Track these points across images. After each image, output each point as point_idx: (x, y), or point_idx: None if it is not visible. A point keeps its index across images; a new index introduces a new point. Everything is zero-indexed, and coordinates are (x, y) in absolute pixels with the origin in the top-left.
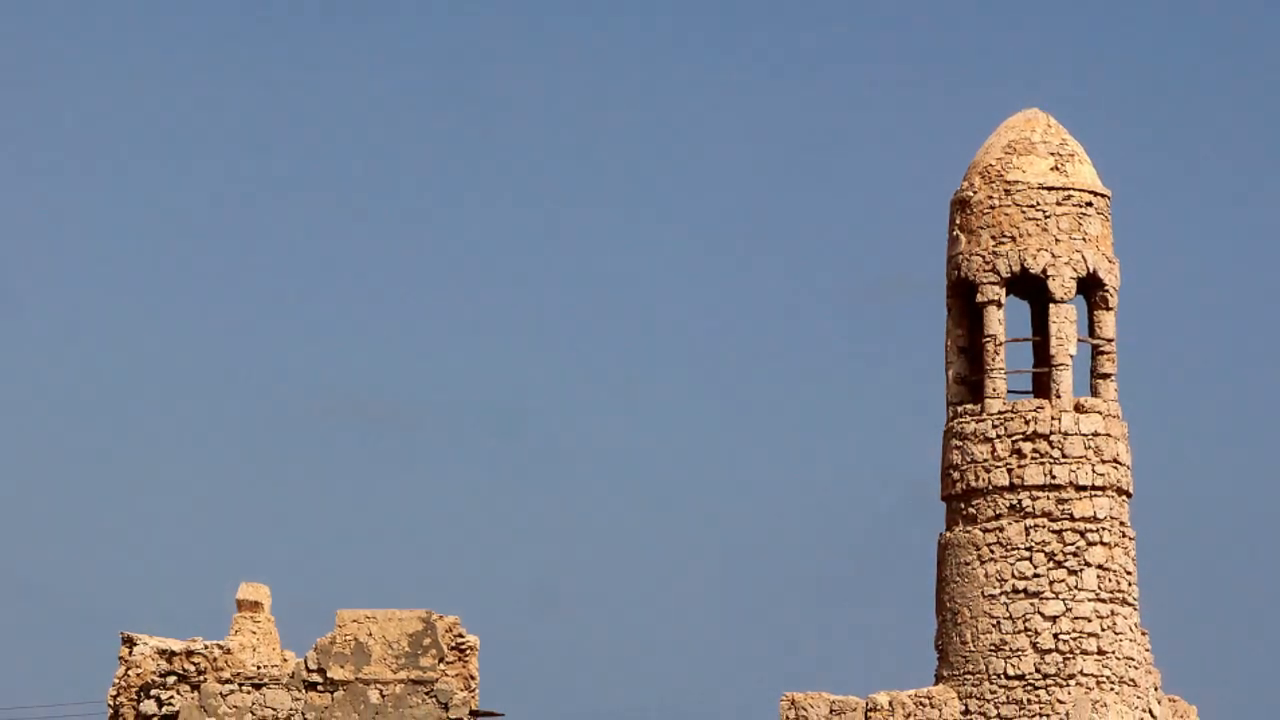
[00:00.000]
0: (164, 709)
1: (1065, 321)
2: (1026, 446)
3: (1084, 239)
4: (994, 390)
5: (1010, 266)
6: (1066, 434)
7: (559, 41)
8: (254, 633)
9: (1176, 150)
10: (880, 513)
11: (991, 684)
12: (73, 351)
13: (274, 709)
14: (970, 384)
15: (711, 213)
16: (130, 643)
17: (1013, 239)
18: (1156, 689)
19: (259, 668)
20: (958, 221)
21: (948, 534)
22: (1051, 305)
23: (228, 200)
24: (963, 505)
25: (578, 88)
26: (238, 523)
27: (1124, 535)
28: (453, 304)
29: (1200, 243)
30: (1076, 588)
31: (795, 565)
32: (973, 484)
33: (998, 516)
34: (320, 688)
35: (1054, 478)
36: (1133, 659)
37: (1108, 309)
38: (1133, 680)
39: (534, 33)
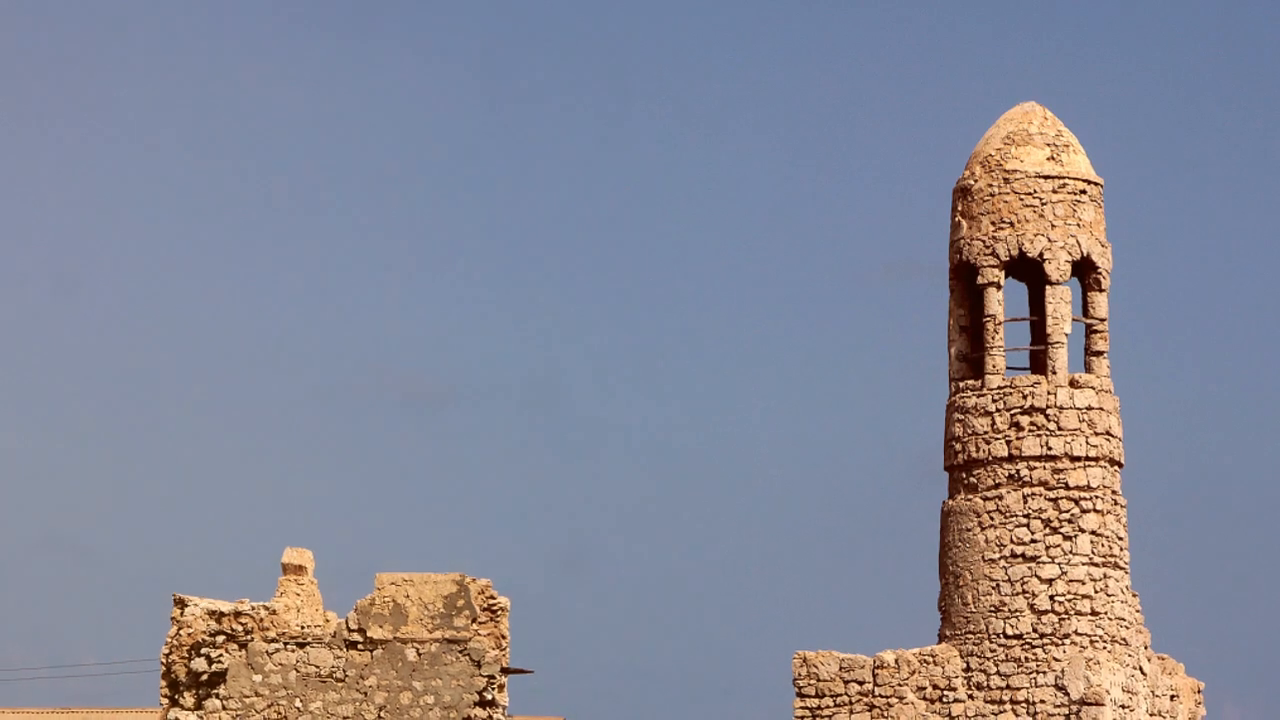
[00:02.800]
0: (213, 666)
1: (1061, 302)
2: (1024, 420)
3: (1078, 225)
4: (994, 367)
5: (1009, 250)
6: (1062, 408)
7: (586, 39)
8: (298, 595)
9: (1166, 142)
10: (886, 482)
11: (991, 643)
12: (130, 331)
13: (317, 666)
14: (971, 361)
15: (731, 200)
16: (182, 604)
17: (1011, 225)
18: (1146, 648)
19: (303, 628)
20: (960, 208)
21: (950, 502)
22: (1048, 287)
23: (282, 190)
24: (964, 475)
25: (604, 85)
26: (283, 492)
27: (1116, 503)
28: (485, 288)
29: (1188, 228)
30: (1071, 552)
31: (808, 532)
32: (974, 455)
33: (997, 485)
34: (360, 646)
35: (1050, 449)
36: (1124, 619)
37: (1101, 290)
38: (1124, 639)
39: (563, 30)
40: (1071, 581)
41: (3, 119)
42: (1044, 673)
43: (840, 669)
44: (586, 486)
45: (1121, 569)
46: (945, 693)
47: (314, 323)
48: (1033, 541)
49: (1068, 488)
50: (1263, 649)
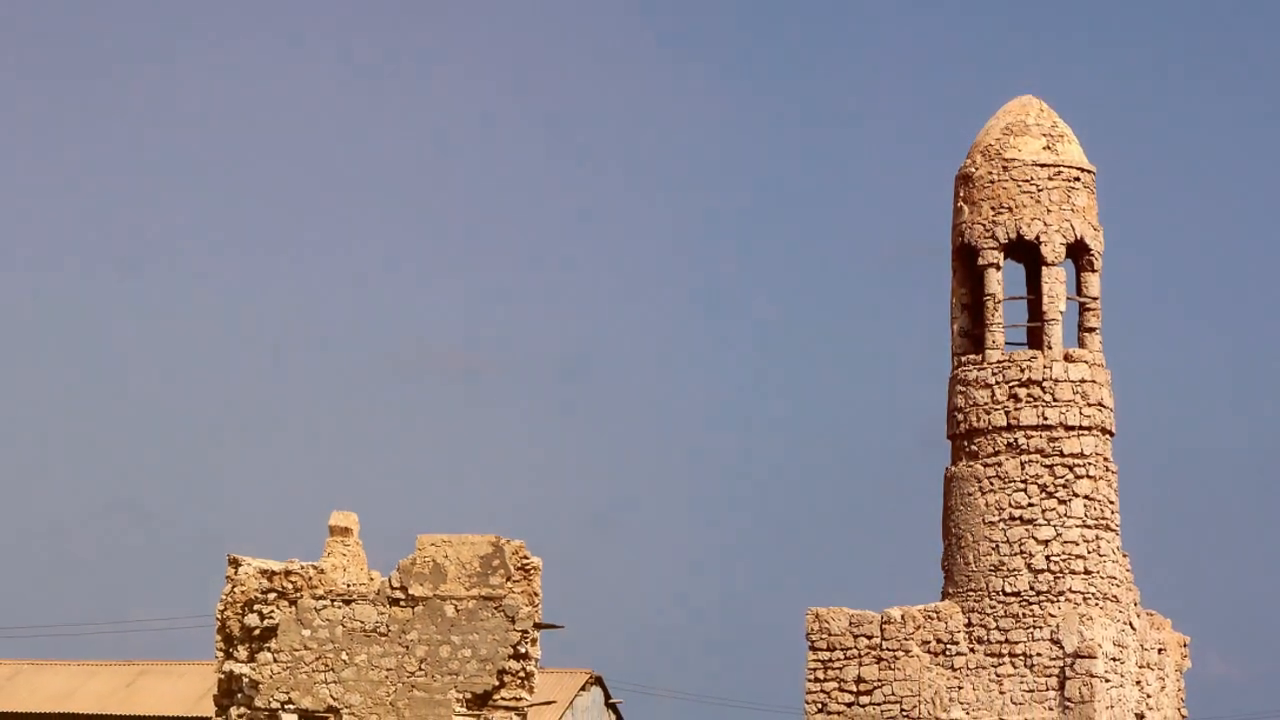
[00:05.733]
0: (265, 622)
1: (1056, 282)
2: (1022, 391)
3: (1072, 209)
4: (993, 342)
5: (1008, 234)
6: (1057, 381)
7: (610, 29)
8: (344, 555)
9: (1155, 132)
10: (893, 450)
11: (991, 600)
12: (190, 310)
13: (361, 622)
14: (972, 337)
15: (748, 186)
16: (236, 564)
17: (1010, 209)
18: (1136, 604)
19: (349, 586)
20: (962, 194)
21: (953, 468)
22: (1044, 268)
23: (333, 178)
24: (966, 443)
25: (627, 76)
26: (330, 459)
27: (1107, 469)
28: (519, 271)
29: (1175, 213)
30: (1065, 516)
31: (820, 496)
32: (975, 424)
33: (997, 453)
34: (402, 603)
35: (1046, 419)
36: (1115, 578)
37: (1093, 271)
38: (1115, 597)
39: (587, 20)
40: (1066, 543)
41: (68, 103)
42: (1040, 628)
43: (850, 624)
44: (613, 454)
45: (1113, 531)
46: (948, 646)
47: (361, 301)
48: (1030, 505)
49: (1062, 455)
50: (1244, 606)
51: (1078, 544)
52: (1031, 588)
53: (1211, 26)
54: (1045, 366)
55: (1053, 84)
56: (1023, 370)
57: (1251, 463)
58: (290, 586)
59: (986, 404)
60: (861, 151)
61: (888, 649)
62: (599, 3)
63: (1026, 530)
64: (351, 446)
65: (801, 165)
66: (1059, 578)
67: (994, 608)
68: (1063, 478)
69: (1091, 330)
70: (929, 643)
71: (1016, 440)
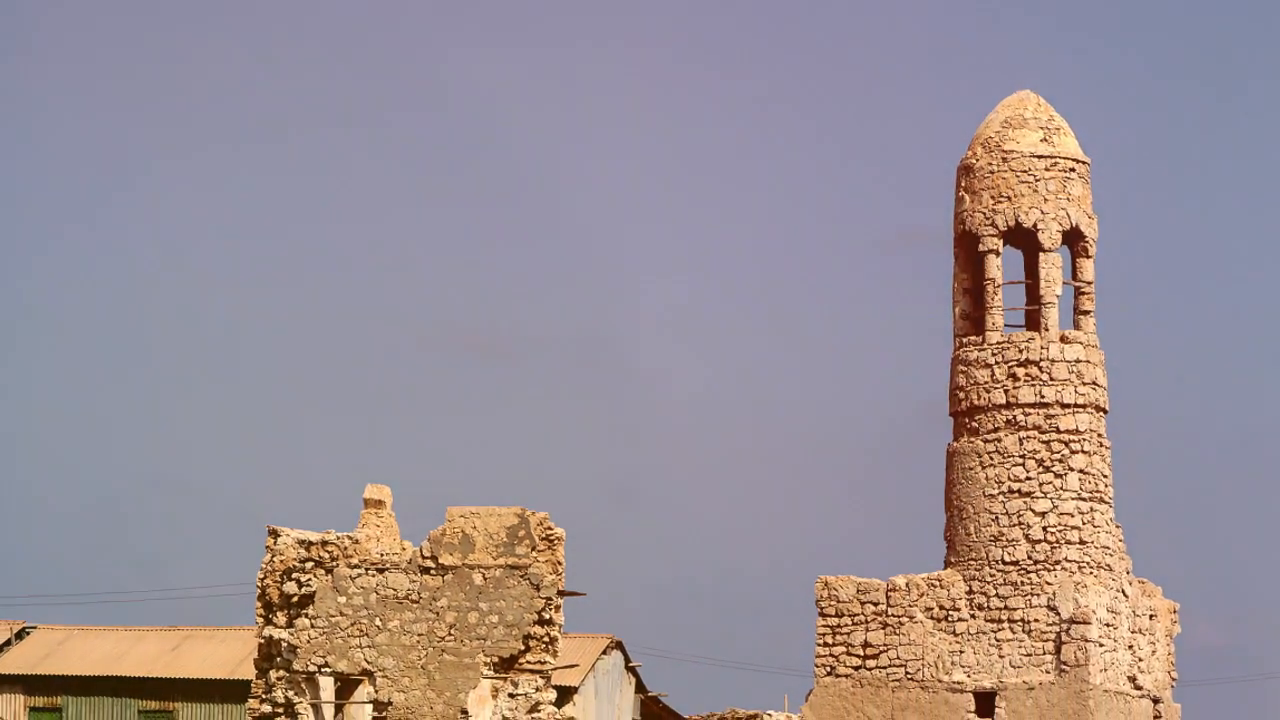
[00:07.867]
0: (303, 589)
1: (1052, 267)
2: (1020, 371)
3: (1068, 198)
4: (993, 324)
5: (1006, 221)
6: (1053, 361)
7: (622, 31)
8: (378, 526)
9: (1147, 125)
10: (899, 426)
11: (991, 569)
12: (227, 296)
13: (394, 589)
14: (973, 319)
15: (759, 174)
16: (275, 534)
17: (1009, 198)
18: (1128, 573)
19: (382, 555)
20: (963, 184)
21: (954, 444)
22: (1041, 253)
23: (362, 168)
24: (967, 420)
25: (641, 70)
26: (365, 435)
27: (1101, 445)
28: (542, 253)
29: (1167, 201)
30: (1061, 489)
31: (829, 470)
32: (975, 402)
33: (996, 429)
34: (433, 572)
35: (1043, 397)
36: (1108, 548)
37: (1088, 257)
38: (1108, 566)
39: (611, 21)
40: (1062, 514)
41: (104, 87)
42: (1037, 595)
43: (857, 591)
44: (634, 429)
45: (1106, 503)
46: (950, 612)
47: (394, 283)
48: (1028, 479)
49: (1058, 431)
50: (1230, 575)
51: (1073, 516)
52: (1029, 557)
53: (1204, 25)
54: (1042, 347)
55: (1049, 79)
56: (1021, 351)
57: (1238, 439)
58: (327, 556)
59: (986, 383)
60: (868, 143)
61: (893, 615)
62: (618, 2)
63: (1024, 503)
64: (384, 423)
65: (811, 156)
66: (1055, 548)
67: (993, 576)
68: (1059, 453)
69: (1086, 313)
70: (932, 609)
71: (1015, 417)
